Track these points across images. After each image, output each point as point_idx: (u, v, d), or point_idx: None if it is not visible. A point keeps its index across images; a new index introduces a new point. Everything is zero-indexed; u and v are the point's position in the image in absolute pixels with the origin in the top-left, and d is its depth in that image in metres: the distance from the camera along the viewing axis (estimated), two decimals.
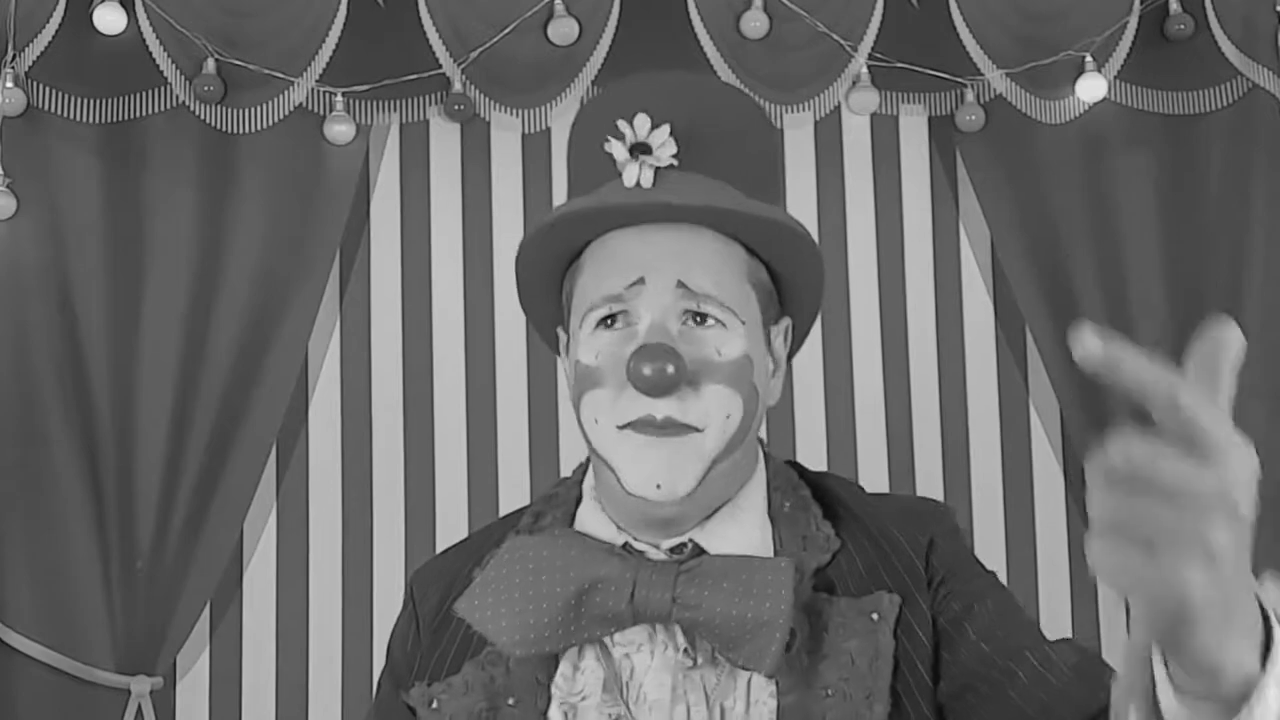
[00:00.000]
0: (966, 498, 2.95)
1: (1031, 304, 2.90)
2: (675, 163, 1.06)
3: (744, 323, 1.06)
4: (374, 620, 2.79)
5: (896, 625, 1.05)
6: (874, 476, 2.92)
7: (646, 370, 0.99)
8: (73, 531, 2.66)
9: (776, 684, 1.03)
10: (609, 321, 1.05)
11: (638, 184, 1.05)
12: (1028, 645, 1.07)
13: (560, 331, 1.15)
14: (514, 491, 2.82)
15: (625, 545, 1.08)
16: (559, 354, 1.19)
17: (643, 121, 1.06)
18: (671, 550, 1.07)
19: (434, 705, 1.08)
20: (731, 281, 1.06)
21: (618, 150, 1.06)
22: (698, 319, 1.04)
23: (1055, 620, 2.95)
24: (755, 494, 1.11)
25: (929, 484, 2.95)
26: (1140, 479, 0.57)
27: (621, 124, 1.06)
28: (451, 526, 2.79)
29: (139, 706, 2.66)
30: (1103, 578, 0.59)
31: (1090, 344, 0.62)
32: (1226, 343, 0.61)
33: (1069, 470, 2.98)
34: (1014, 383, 2.99)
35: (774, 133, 1.16)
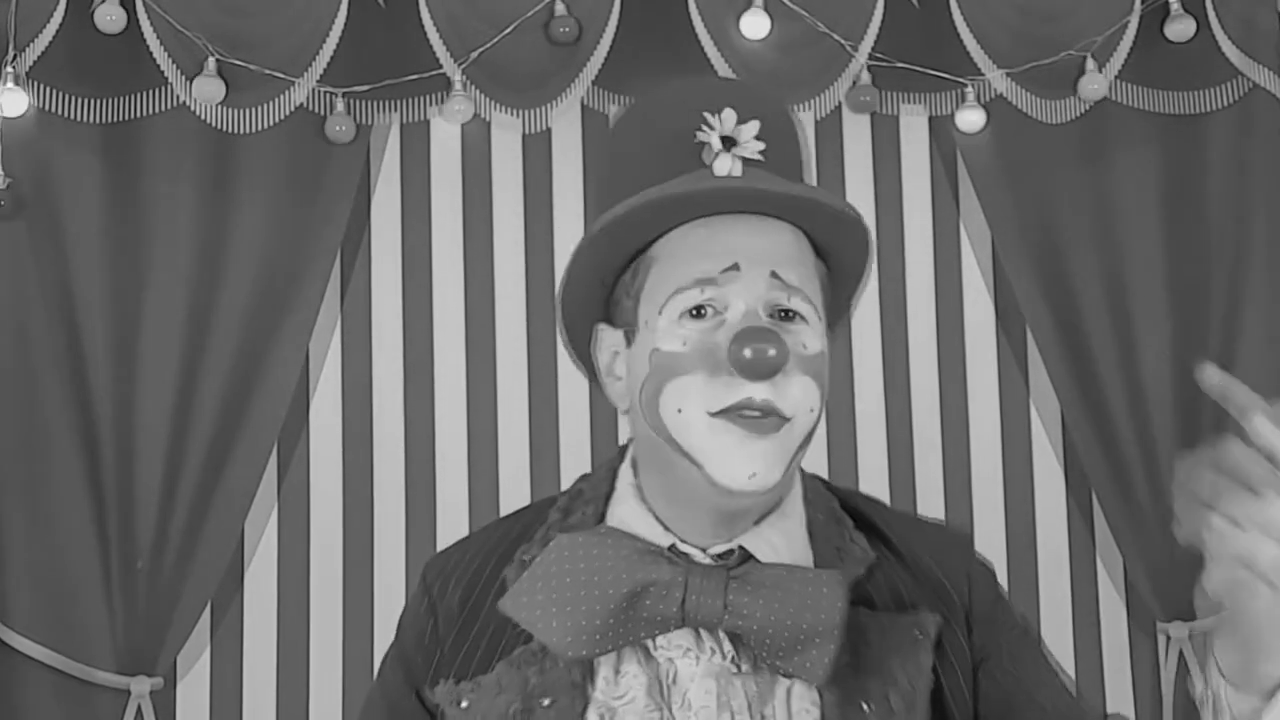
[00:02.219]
0: (967, 497, 2.95)
1: (1032, 303, 2.90)
2: (762, 158, 1.06)
3: (821, 319, 1.06)
4: (374, 620, 2.79)
5: (936, 646, 1.06)
6: (874, 477, 2.92)
7: (748, 352, 0.98)
8: (73, 532, 2.66)
9: (820, 694, 1.03)
10: (696, 311, 1.04)
11: (729, 174, 1.05)
12: None
13: (603, 328, 1.12)
14: (514, 491, 2.81)
15: (671, 547, 1.07)
16: (580, 350, 1.16)
17: (730, 114, 1.06)
18: (718, 556, 1.07)
19: (463, 704, 1.07)
20: (811, 277, 1.06)
21: (712, 139, 1.06)
22: (784, 314, 1.04)
23: (1055, 620, 2.95)
24: (796, 504, 1.11)
25: (929, 484, 2.95)
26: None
27: (710, 116, 1.06)
28: (452, 526, 2.79)
29: (139, 707, 2.66)
30: (1216, 592, 0.86)
31: (1211, 378, 0.93)
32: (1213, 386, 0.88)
33: (1069, 469, 2.98)
34: (1014, 382, 2.99)
35: (803, 134, 1.18)
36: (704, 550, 1.07)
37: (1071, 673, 2.92)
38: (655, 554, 1.04)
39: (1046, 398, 2.96)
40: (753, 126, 1.06)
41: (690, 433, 1.02)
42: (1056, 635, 2.93)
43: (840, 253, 1.10)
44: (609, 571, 1.02)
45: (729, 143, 1.06)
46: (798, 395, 1.02)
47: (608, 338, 1.11)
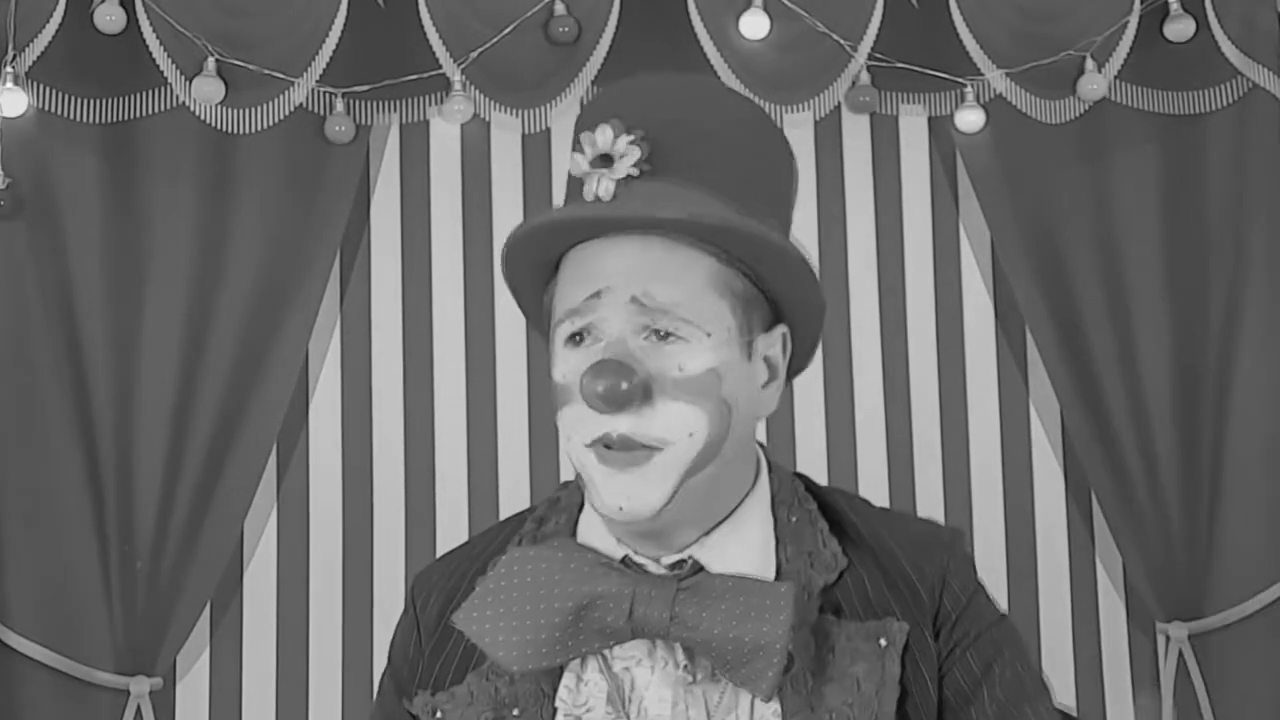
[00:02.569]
0: (966, 497, 2.95)
1: (1032, 304, 2.90)
2: (635, 173, 1.03)
3: (709, 335, 1.02)
4: (374, 620, 2.79)
5: (904, 653, 1.05)
6: (873, 477, 2.92)
7: (600, 388, 0.99)
8: (73, 532, 2.66)
9: (781, 704, 1.03)
10: (577, 339, 1.05)
11: (595, 197, 1.03)
12: None
13: None
14: (514, 491, 2.81)
15: (625, 559, 1.07)
16: None
17: (605, 132, 1.04)
18: (671, 566, 1.07)
19: (438, 715, 1.09)
20: (696, 293, 1.02)
21: (576, 164, 1.05)
22: (659, 335, 1.02)
23: (1054, 620, 2.95)
24: (757, 508, 1.10)
25: (928, 484, 2.95)
26: None
27: (584, 136, 1.05)
28: (451, 526, 2.79)
29: (138, 707, 2.66)
30: None
31: None
32: None
33: (1069, 470, 2.98)
34: (1014, 382, 2.99)
35: (773, 136, 1.13)
36: (657, 560, 1.07)
37: (1071, 673, 2.92)
38: (606, 566, 1.04)
39: (1046, 398, 2.96)
40: (626, 139, 1.03)
41: (577, 461, 1.05)
42: (1056, 636, 2.93)
43: (754, 263, 1.06)
44: (556, 585, 1.02)
45: (604, 161, 1.04)
46: (668, 422, 1.01)
47: None
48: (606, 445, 1.01)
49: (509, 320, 2.88)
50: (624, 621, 1.01)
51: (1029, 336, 2.96)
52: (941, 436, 2.97)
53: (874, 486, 2.90)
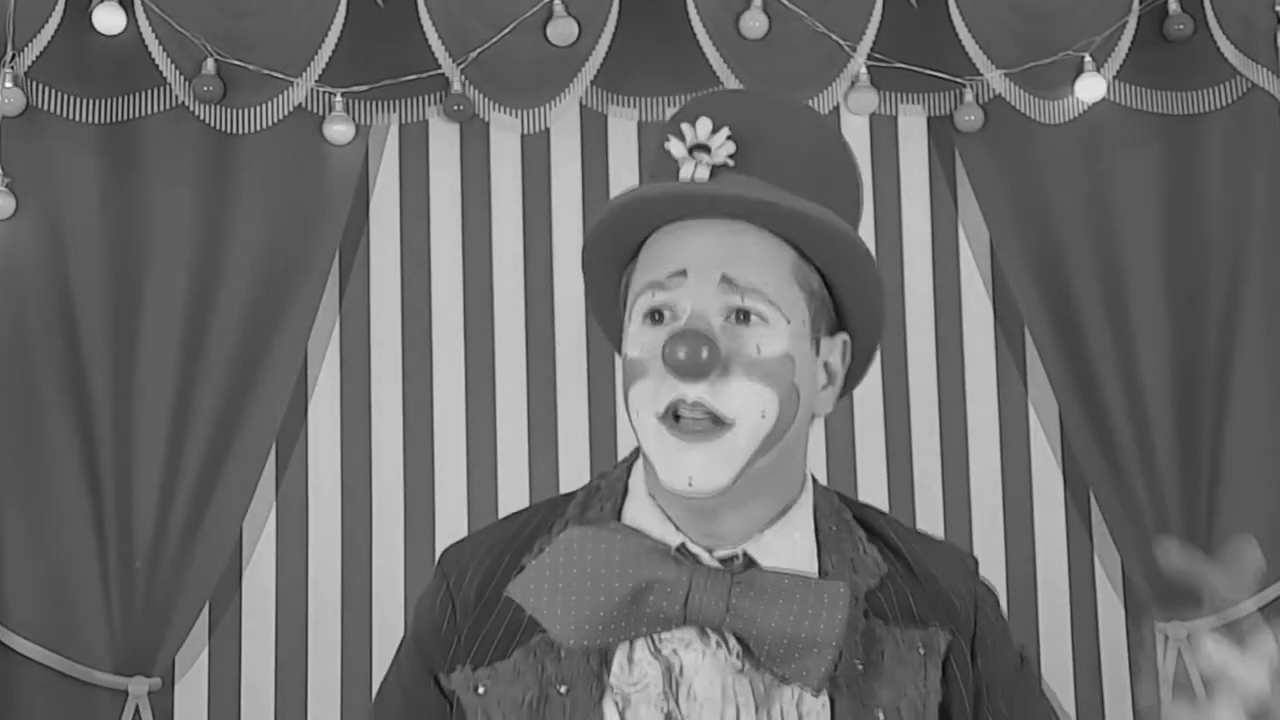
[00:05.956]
0: (965, 497, 2.95)
1: (1031, 304, 2.90)
2: (731, 162, 1.07)
3: (788, 321, 1.06)
4: (373, 620, 2.79)
5: (944, 662, 1.08)
6: (872, 478, 2.92)
7: (680, 353, 1.00)
8: (71, 532, 2.66)
9: (831, 700, 1.05)
10: (656, 317, 1.06)
11: (692, 179, 1.06)
12: None
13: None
14: (513, 491, 2.81)
15: (681, 547, 1.09)
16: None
17: (704, 124, 1.07)
18: (724, 560, 1.09)
19: (480, 690, 1.09)
20: (777, 279, 1.06)
21: (676, 147, 1.08)
22: (741, 316, 1.05)
23: (1053, 620, 2.95)
24: (804, 515, 1.13)
25: (928, 484, 2.95)
26: None
27: (684, 125, 1.08)
28: (451, 526, 2.79)
29: (137, 707, 2.65)
30: None
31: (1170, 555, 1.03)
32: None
33: (1067, 470, 2.98)
34: (1013, 382, 2.99)
35: (847, 151, 1.17)
36: (710, 552, 1.09)
37: (1070, 671, 2.92)
38: (663, 552, 1.06)
39: (1045, 398, 2.96)
40: (723, 131, 1.07)
41: (645, 436, 1.06)
42: (1055, 636, 2.93)
43: (828, 258, 1.10)
44: (616, 566, 1.04)
45: (699, 150, 1.07)
46: (741, 399, 1.03)
47: None
48: (677, 416, 1.03)
49: (508, 320, 2.88)
50: (679, 608, 1.03)
51: (1028, 336, 2.96)
52: (940, 436, 2.97)
53: (874, 487, 2.90)
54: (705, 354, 1.00)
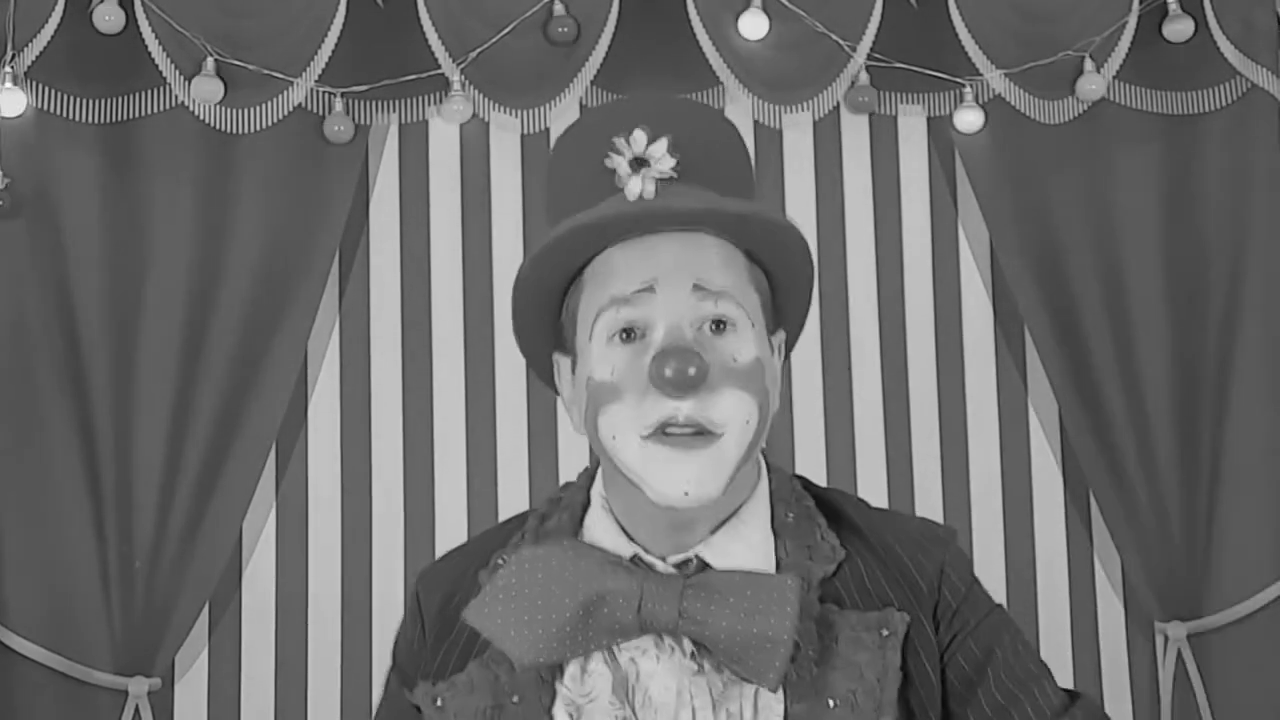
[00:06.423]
0: (965, 498, 2.95)
1: (1030, 304, 2.90)
2: (675, 174, 1.07)
3: (753, 325, 1.08)
4: (373, 621, 2.79)
5: (905, 643, 1.07)
6: (873, 478, 2.92)
7: (669, 371, 1.01)
8: (71, 532, 2.66)
9: (785, 692, 1.05)
10: (624, 335, 1.06)
11: (640, 196, 1.07)
12: (1043, 709, 1.09)
13: (558, 356, 1.16)
14: (513, 491, 2.81)
15: (634, 558, 1.10)
16: (550, 382, 1.21)
17: (639, 136, 1.08)
18: (677, 565, 1.09)
19: (439, 703, 1.10)
20: (739, 283, 1.08)
21: (620, 164, 1.08)
22: (714, 325, 1.06)
23: (1053, 621, 2.95)
24: (758, 507, 1.13)
25: (927, 485, 2.95)
26: None
27: (619, 140, 1.08)
28: (451, 526, 2.79)
29: (136, 707, 2.65)
30: None
31: None
32: None
33: (1067, 471, 2.98)
34: (1013, 383, 2.99)
35: (741, 138, 1.19)
36: (664, 559, 1.10)
37: (1069, 673, 2.92)
38: (615, 564, 1.07)
39: (1044, 398, 2.96)
40: (662, 142, 1.08)
41: (627, 456, 1.06)
42: (1054, 636, 2.93)
43: (776, 259, 1.12)
44: (566, 582, 1.05)
45: (639, 164, 1.08)
46: (728, 409, 1.04)
47: (563, 367, 1.16)
48: (664, 431, 1.04)
49: (508, 320, 2.86)
50: (632, 617, 1.04)
51: (1028, 336, 2.96)
52: (940, 437, 2.97)
53: (873, 487, 2.90)
54: (694, 370, 1.01)
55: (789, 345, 1.20)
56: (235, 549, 2.78)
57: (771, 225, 1.10)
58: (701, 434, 1.03)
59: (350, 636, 2.80)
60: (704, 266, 1.06)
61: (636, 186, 1.07)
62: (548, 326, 1.16)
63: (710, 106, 1.22)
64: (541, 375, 1.22)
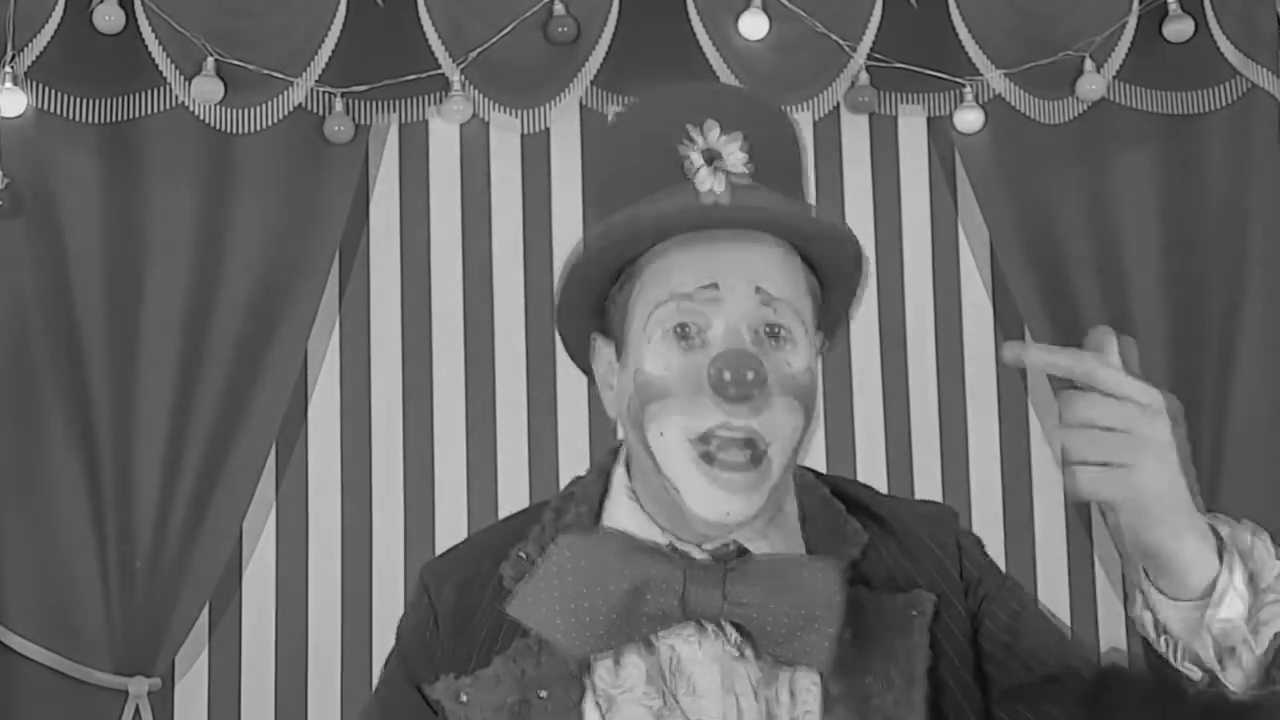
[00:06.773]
0: (965, 497, 2.95)
1: (1030, 303, 2.90)
2: (747, 170, 1.05)
3: (807, 332, 1.06)
4: (373, 621, 2.79)
5: (934, 621, 1.08)
6: (873, 478, 2.92)
7: (729, 374, 0.99)
8: (71, 532, 2.66)
9: (822, 674, 1.05)
10: (680, 330, 1.04)
11: (711, 191, 1.05)
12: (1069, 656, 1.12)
13: (598, 338, 1.13)
14: (513, 491, 2.81)
15: (670, 545, 1.09)
16: (579, 358, 1.17)
17: (712, 128, 1.06)
18: (714, 552, 1.09)
19: (462, 698, 1.09)
20: (797, 290, 1.06)
21: (692, 154, 1.06)
22: (770, 331, 1.04)
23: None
24: (789, 498, 1.13)
25: (928, 483, 2.95)
26: (1089, 417, 0.95)
27: (691, 129, 1.06)
28: (451, 526, 2.79)
29: (136, 707, 2.65)
30: (1083, 491, 0.95)
31: (1011, 355, 0.96)
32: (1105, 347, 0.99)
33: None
34: (1013, 382, 2.99)
35: (807, 152, 1.17)
36: (699, 546, 1.09)
37: None
38: (653, 551, 1.06)
39: (1044, 398, 2.97)
40: (735, 139, 1.06)
41: (670, 457, 1.04)
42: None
43: (831, 266, 1.11)
44: (610, 569, 1.04)
45: (711, 156, 1.05)
46: (778, 420, 1.03)
47: (603, 350, 1.13)
48: (705, 441, 1.02)
49: (508, 319, 2.88)
50: (676, 603, 1.03)
51: (1028, 336, 2.95)
52: (940, 437, 2.97)
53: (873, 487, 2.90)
54: (753, 375, 0.99)
55: (823, 349, 1.17)
56: (235, 549, 2.77)
57: (837, 238, 1.08)
58: (750, 459, 1.02)
59: (350, 635, 2.80)
60: (765, 271, 1.04)
61: (708, 181, 1.05)
62: (588, 307, 1.13)
63: (777, 106, 1.18)
64: (572, 351, 1.18)
